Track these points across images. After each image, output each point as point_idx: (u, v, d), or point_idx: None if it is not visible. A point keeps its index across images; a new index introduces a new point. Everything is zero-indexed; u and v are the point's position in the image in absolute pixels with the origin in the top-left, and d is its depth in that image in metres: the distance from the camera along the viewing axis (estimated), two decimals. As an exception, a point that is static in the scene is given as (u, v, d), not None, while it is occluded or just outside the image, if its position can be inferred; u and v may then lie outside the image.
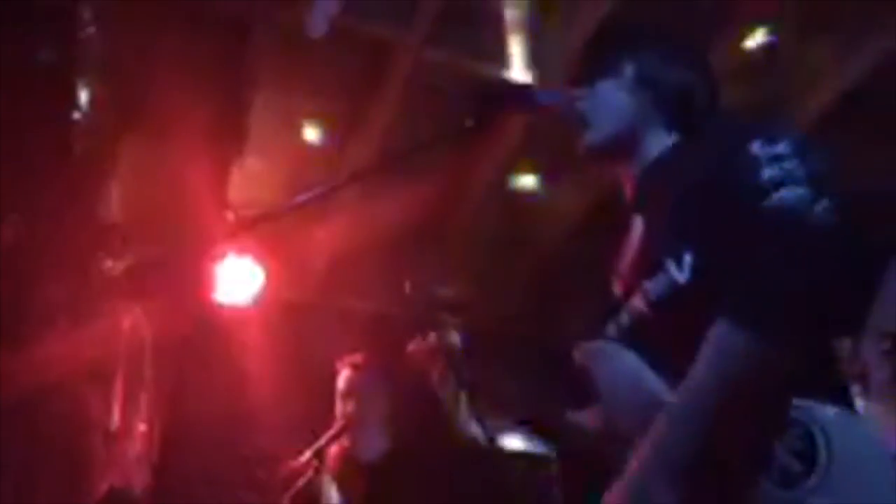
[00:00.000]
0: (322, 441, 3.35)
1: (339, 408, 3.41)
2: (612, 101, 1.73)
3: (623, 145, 1.72)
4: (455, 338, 1.86)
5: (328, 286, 5.27)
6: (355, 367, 3.42)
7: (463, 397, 1.82)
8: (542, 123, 4.12)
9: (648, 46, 1.77)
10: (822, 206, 1.36)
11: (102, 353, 4.11)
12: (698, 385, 1.39)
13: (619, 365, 1.57)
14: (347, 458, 3.38)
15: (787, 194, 1.39)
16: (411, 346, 1.87)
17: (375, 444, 3.32)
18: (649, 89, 1.72)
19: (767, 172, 1.42)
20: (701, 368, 1.38)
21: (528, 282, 5.47)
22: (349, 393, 3.39)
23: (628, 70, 1.73)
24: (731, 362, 1.36)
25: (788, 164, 1.43)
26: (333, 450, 3.40)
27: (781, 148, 1.46)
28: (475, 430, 1.80)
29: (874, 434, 1.35)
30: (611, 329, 1.64)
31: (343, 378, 3.45)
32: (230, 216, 4.43)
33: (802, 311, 1.33)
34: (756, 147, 1.47)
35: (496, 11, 3.82)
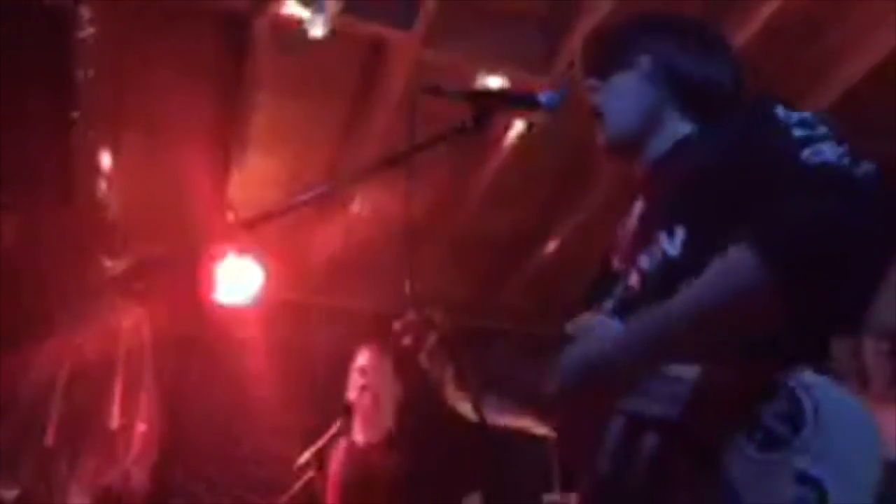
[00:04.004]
0: (321, 441, 3.36)
1: (355, 379, 3.48)
2: (630, 94, 1.71)
3: (642, 136, 1.71)
4: (439, 317, 1.86)
5: (328, 286, 5.27)
6: (376, 347, 3.50)
7: (450, 374, 1.82)
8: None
9: (664, 37, 1.75)
10: (863, 168, 1.34)
11: (102, 353, 4.11)
12: (695, 290, 1.39)
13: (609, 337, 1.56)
14: (353, 447, 3.42)
15: (822, 150, 1.37)
16: (396, 324, 1.87)
17: (383, 426, 3.41)
18: (666, 80, 1.70)
19: (797, 132, 1.41)
20: (703, 278, 1.38)
21: (528, 281, 5.49)
22: (367, 366, 3.47)
23: (644, 61, 1.71)
24: (734, 279, 1.35)
25: (816, 128, 1.42)
26: (339, 447, 3.45)
27: (803, 114, 1.45)
28: (465, 407, 1.81)
29: (859, 402, 1.33)
30: (607, 303, 1.64)
31: (363, 355, 3.53)
32: (230, 216, 4.44)
33: (826, 259, 1.30)
34: (780, 112, 1.46)
35: (497, 11, 3.82)
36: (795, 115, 1.45)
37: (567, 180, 4.59)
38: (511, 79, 3.86)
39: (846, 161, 1.35)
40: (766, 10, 3.71)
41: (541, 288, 5.41)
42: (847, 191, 1.33)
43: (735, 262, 1.35)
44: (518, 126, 4.23)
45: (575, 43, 3.77)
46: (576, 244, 5.00)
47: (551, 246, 5.18)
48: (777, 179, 1.38)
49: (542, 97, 1.79)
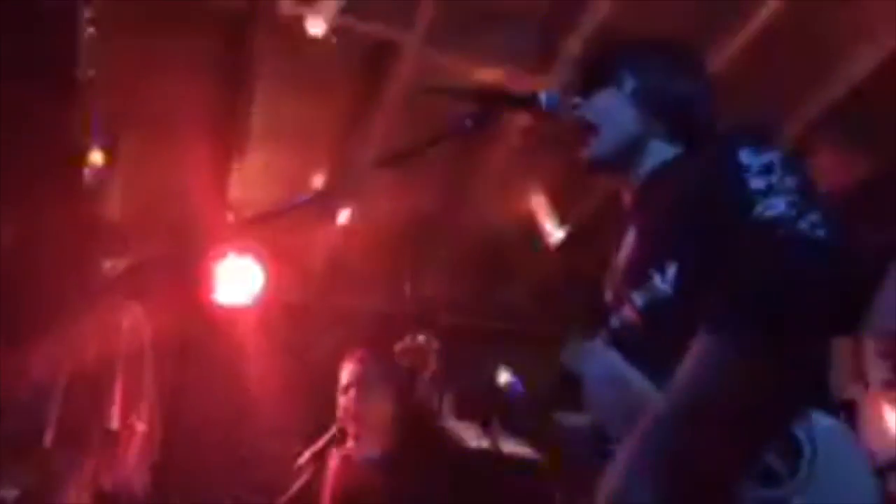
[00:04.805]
0: (321, 442, 3.36)
1: (341, 401, 3.42)
2: (616, 112, 1.73)
3: (626, 157, 1.72)
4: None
5: (328, 286, 5.27)
6: (359, 360, 3.45)
7: (449, 399, 1.83)
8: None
9: (649, 58, 1.76)
10: (809, 219, 1.36)
11: (102, 353, 4.11)
12: (679, 395, 1.38)
13: (605, 367, 1.57)
14: (349, 459, 3.38)
15: (773, 205, 1.38)
16: (399, 346, 1.88)
17: (378, 443, 3.34)
18: (650, 101, 1.71)
19: (755, 183, 1.42)
20: (682, 380, 1.38)
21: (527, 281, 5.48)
22: (350, 385, 3.41)
23: (629, 81, 1.72)
24: (712, 374, 1.35)
25: (776, 175, 1.43)
26: (335, 457, 3.41)
27: (769, 158, 1.46)
28: (466, 432, 1.81)
29: (855, 440, 1.35)
30: (601, 334, 1.65)
31: (346, 371, 3.47)
32: (230, 216, 4.44)
33: (785, 325, 1.32)
34: (744, 156, 1.47)
35: (497, 11, 3.82)
36: (758, 161, 1.45)
37: (568, 179, 4.59)
38: (511, 79, 3.86)
39: (794, 213, 1.36)
40: (765, 11, 3.71)
41: (541, 288, 5.40)
42: (793, 247, 1.35)
43: (705, 352, 1.36)
44: (518, 125, 4.23)
45: (575, 43, 3.78)
46: (576, 244, 5.00)
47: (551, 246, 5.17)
48: (730, 235, 1.41)
49: (543, 97, 1.80)
